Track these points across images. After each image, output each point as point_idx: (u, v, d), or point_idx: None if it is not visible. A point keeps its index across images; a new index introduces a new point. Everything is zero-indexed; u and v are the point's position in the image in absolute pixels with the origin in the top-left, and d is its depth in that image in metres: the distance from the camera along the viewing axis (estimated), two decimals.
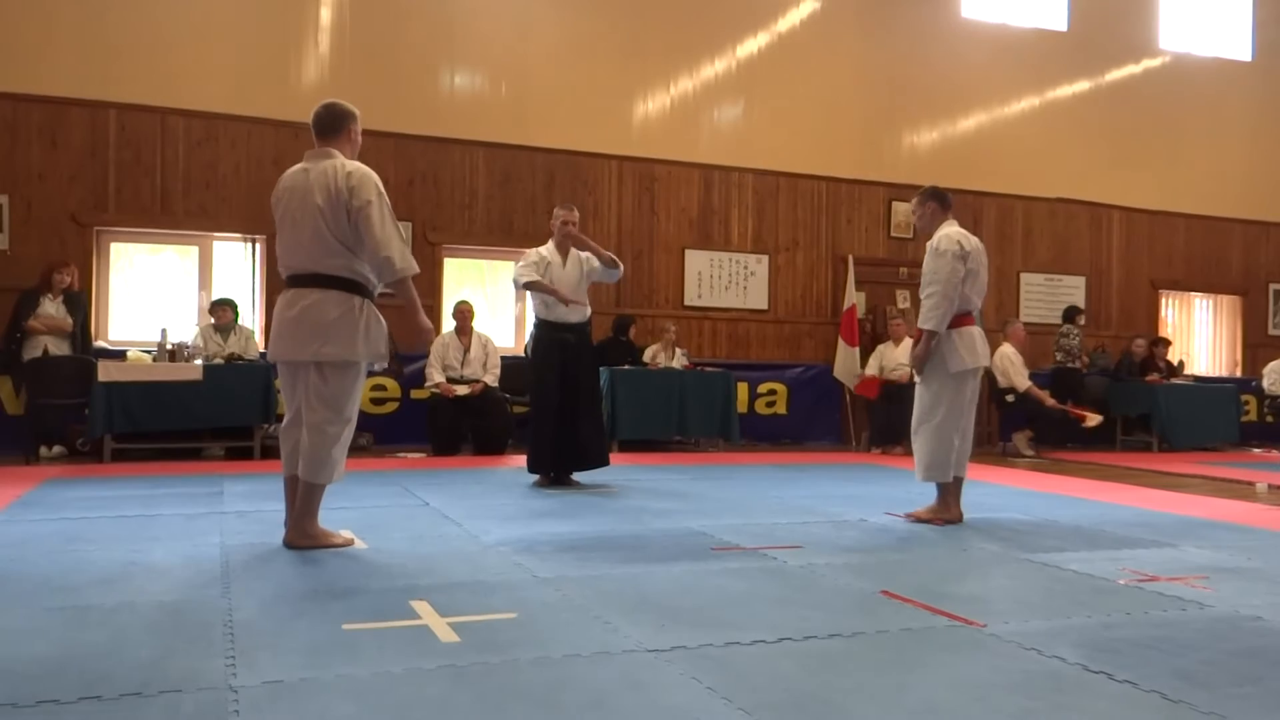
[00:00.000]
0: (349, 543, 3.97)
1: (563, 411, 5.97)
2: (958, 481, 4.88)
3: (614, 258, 6.17)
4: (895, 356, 9.32)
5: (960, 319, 4.81)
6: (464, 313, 8.39)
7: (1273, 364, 11.06)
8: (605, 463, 6.23)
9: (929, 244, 4.88)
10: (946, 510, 4.85)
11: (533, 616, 2.92)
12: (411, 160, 9.18)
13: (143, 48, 8.48)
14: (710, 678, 2.38)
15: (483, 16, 9.51)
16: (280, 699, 2.19)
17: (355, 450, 8.07)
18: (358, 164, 3.88)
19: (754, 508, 5.28)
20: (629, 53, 9.96)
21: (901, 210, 10.88)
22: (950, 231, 4.84)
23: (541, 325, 6.13)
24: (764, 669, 2.46)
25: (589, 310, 6.23)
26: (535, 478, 6.14)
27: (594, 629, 2.80)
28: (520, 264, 6.07)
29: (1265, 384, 11.01)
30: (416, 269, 3.84)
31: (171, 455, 7.39)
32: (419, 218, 9.19)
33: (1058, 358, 10.35)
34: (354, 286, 3.82)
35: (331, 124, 3.99)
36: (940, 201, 4.95)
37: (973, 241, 4.86)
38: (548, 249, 6.12)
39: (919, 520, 4.86)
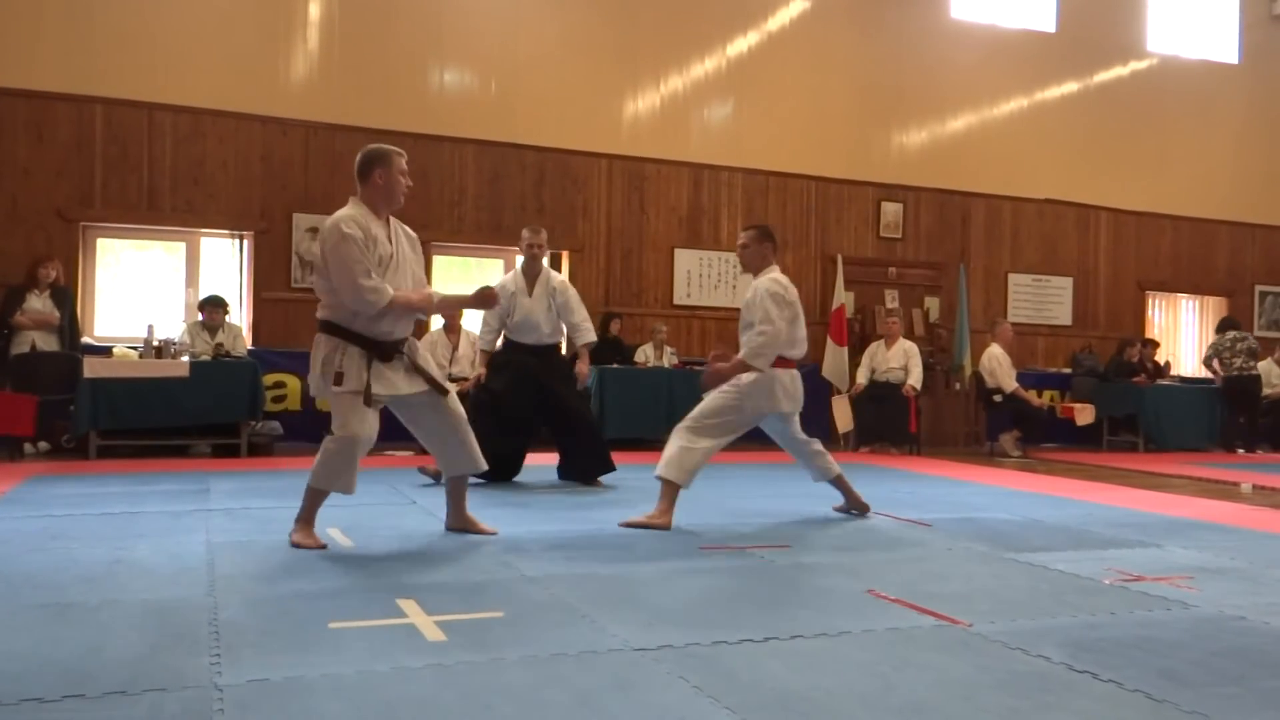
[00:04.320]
0: (317, 546, 3.91)
1: (504, 429, 5.86)
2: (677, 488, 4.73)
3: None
4: (888, 358, 9.34)
5: (783, 361, 4.78)
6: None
7: (1259, 365, 11.11)
8: (610, 468, 6.18)
9: (757, 285, 4.81)
10: (663, 515, 4.60)
11: (520, 615, 2.92)
12: None
13: (130, 42, 8.43)
14: (697, 677, 2.38)
15: (472, 13, 9.49)
16: (265, 698, 2.18)
17: None
18: (337, 215, 3.94)
19: (742, 506, 5.29)
20: (619, 51, 9.96)
21: (890, 211, 10.92)
22: (780, 277, 4.83)
23: (507, 346, 6.11)
24: (751, 668, 2.47)
25: (562, 335, 6.19)
26: (513, 478, 6.19)
27: (581, 628, 2.80)
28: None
29: None
30: (378, 301, 3.83)
31: (157, 452, 7.36)
32: (407, 215, 8.97)
33: (1238, 364, 10.36)
34: (330, 328, 3.96)
35: (359, 171, 4.04)
36: (774, 243, 4.97)
37: (794, 291, 4.87)
38: (512, 278, 6.07)
39: (633, 526, 4.57)
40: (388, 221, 4.06)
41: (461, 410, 4.22)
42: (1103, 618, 3.05)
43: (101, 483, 5.76)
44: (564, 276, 6.41)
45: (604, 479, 6.20)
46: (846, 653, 2.63)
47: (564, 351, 6.59)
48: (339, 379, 3.88)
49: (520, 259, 6.14)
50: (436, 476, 6.04)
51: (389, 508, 5.01)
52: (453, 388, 4.30)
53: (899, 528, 4.74)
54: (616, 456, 6.31)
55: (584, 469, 6.16)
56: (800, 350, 4.88)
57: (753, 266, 4.92)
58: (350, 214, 3.91)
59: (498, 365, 6.08)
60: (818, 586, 3.43)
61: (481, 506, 5.07)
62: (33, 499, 5.07)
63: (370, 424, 3.94)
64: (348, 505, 4.99)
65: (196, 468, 6.68)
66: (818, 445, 5.03)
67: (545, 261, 6.13)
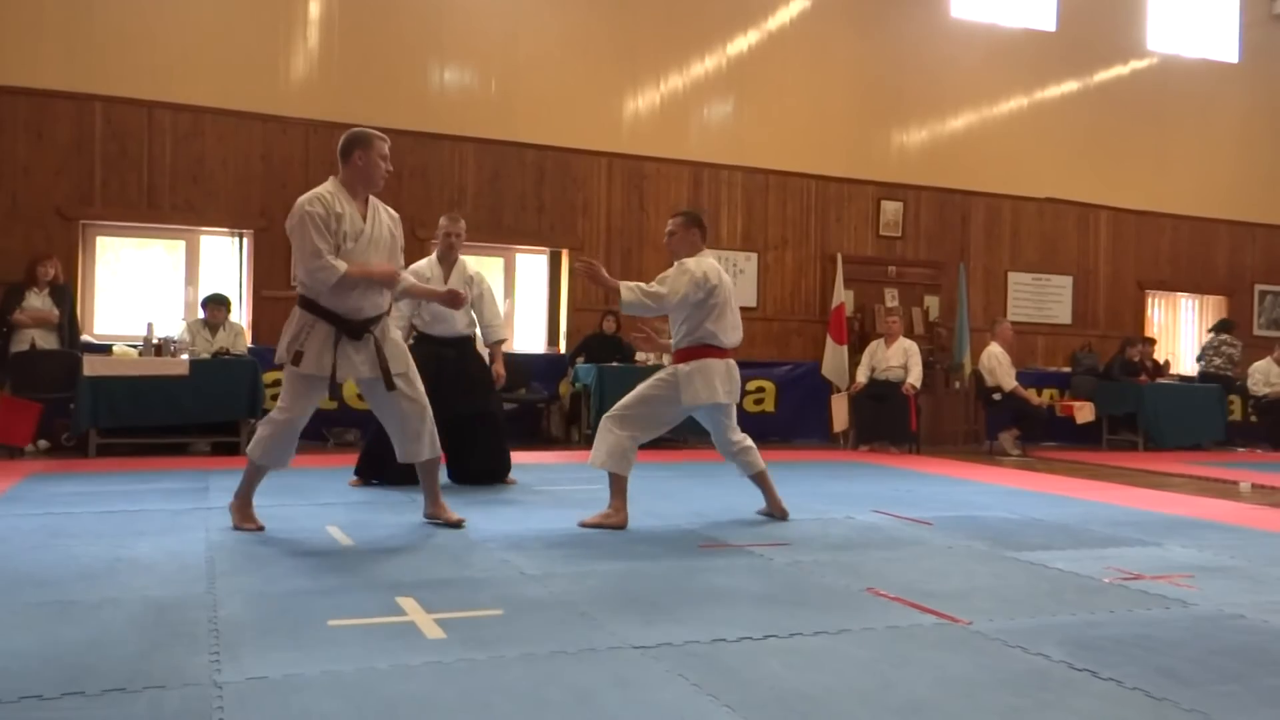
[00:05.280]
0: (256, 528, 4.18)
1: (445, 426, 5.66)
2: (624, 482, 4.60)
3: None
4: (887, 356, 9.34)
5: (703, 350, 4.62)
6: None
7: (1257, 364, 11.12)
8: (505, 473, 6.02)
9: (680, 262, 4.68)
10: (618, 513, 4.54)
11: (519, 613, 2.92)
12: (400, 156, 9.08)
13: (130, 41, 8.43)
14: (696, 675, 2.38)
15: (472, 11, 9.49)
16: (265, 695, 2.18)
17: (343, 446, 8.12)
18: (308, 193, 4.08)
19: (741, 505, 5.28)
20: (619, 49, 9.96)
21: (890, 209, 10.92)
22: (708, 262, 4.66)
23: (420, 339, 5.83)
24: (750, 666, 2.47)
25: (474, 327, 5.95)
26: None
27: (580, 626, 2.80)
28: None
29: (1250, 384, 11.08)
30: (328, 278, 3.96)
31: (157, 450, 7.35)
32: (407, 213, 9.05)
33: (1216, 363, 10.95)
34: (304, 303, 4.12)
35: (341, 152, 4.16)
36: (702, 230, 4.77)
37: (724, 278, 4.68)
38: (428, 264, 5.88)
39: (589, 526, 4.49)
40: (366, 201, 4.17)
41: (420, 400, 4.30)
42: (1102, 616, 3.05)
43: (101, 481, 5.76)
44: (478, 269, 6.08)
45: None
46: (846, 651, 2.63)
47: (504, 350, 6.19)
48: (298, 358, 4.04)
49: (436, 249, 5.94)
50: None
51: (388, 505, 5.01)
52: (417, 379, 4.35)
53: (898, 526, 4.74)
54: None
55: (478, 472, 5.88)
56: (732, 340, 4.71)
57: (680, 254, 4.73)
58: (320, 191, 4.06)
59: (415, 362, 5.85)
60: (817, 584, 3.43)
61: (480, 504, 5.07)
62: (32, 497, 5.07)
63: (309, 408, 4.18)
64: (347, 503, 5.01)
65: (196, 466, 6.68)
66: (748, 442, 4.86)
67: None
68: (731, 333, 4.71)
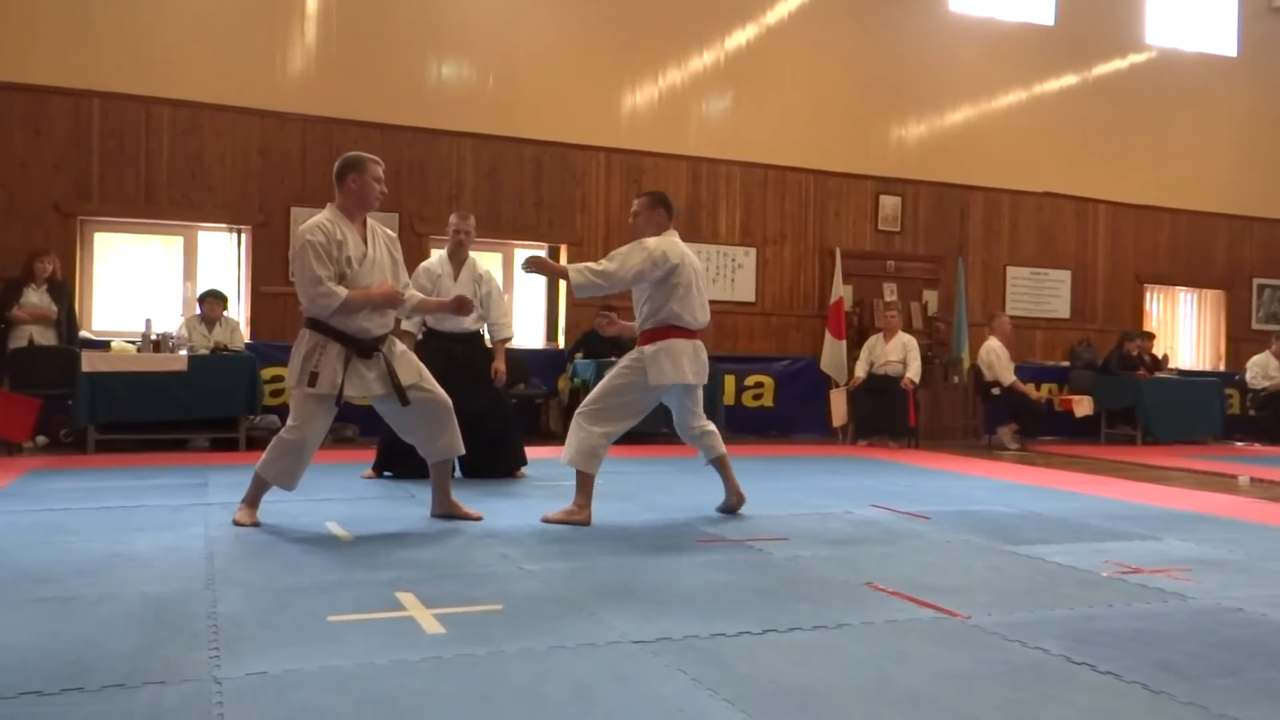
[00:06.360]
0: (252, 524, 4.20)
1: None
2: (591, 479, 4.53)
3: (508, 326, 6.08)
4: (886, 351, 9.34)
5: (668, 330, 4.53)
6: None
7: (1255, 358, 11.13)
8: (521, 463, 6.12)
9: (639, 240, 4.59)
10: (581, 510, 4.46)
11: (518, 608, 2.92)
12: (398, 151, 9.13)
13: (127, 36, 8.41)
14: (695, 669, 2.38)
15: (470, 7, 9.47)
16: (264, 691, 2.18)
17: (342, 442, 8.12)
18: (308, 223, 4.14)
19: None
20: (618, 44, 9.94)
21: (889, 204, 10.92)
22: (670, 240, 4.57)
23: (429, 335, 5.90)
24: (749, 660, 2.47)
25: (483, 324, 6.00)
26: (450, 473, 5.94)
27: (579, 620, 2.80)
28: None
29: (1248, 378, 11.09)
30: (329, 304, 4.04)
31: (156, 446, 7.34)
32: (406, 209, 9.15)
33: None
34: (313, 324, 4.17)
35: (336, 177, 4.22)
36: (667, 210, 4.67)
37: (688, 259, 4.58)
38: (438, 260, 5.95)
39: (551, 522, 4.43)
40: (364, 224, 4.23)
41: (441, 398, 4.34)
42: (1100, 610, 3.05)
43: (100, 477, 5.76)
44: (488, 267, 6.18)
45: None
46: (844, 645, 2.63)
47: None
48: (313, 379, 4.09)
49: (448, 245, 5.99)
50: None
51: (387, 501, 5.02)
52: (432, 380, 4.36)
53: (897, 520, 4.75)
54: (612, 450, 6.27)
55: (481, 464, 5.86)
56: (698, 321, 4.62)
57: (645, 234, 4.63)
58: (320, 220, 4.11)
59: (424, 358, 5.88)
60: (816, 579, 3.43)
61: (477, 498, 5.07)
62: (31, 493, 5.07)
63: (322, 428, 4.20)
64: (346, 499, 5.01)
65: (195, 462, 6.68)
66: (710, 427, 4.80)
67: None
68: (699, 313, 4.63)
